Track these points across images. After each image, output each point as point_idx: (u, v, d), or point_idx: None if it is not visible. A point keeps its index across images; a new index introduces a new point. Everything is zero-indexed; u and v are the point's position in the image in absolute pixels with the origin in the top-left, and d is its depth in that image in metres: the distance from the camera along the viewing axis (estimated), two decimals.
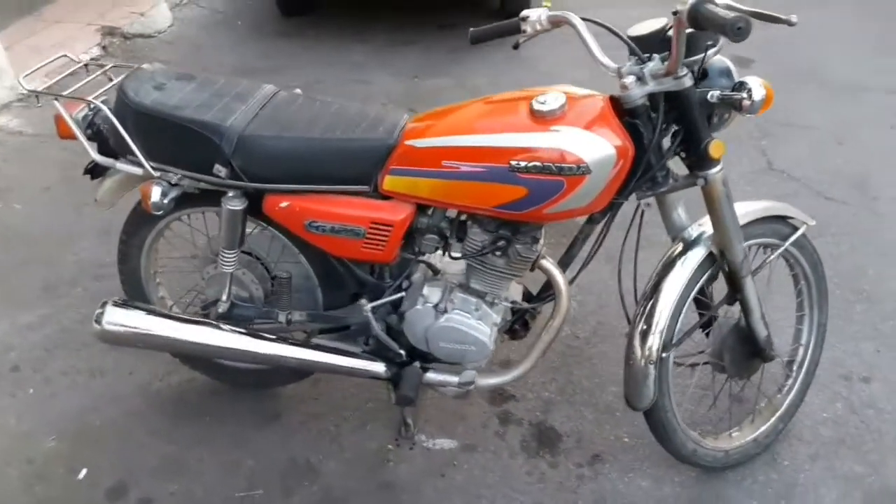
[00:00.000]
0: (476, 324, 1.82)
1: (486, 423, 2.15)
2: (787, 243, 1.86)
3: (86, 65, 1.95)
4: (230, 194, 1.79)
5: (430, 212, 1.81)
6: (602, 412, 2.18)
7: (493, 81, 4.22)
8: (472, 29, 1.82)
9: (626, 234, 1.79)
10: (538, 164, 1.59)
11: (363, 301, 1.87)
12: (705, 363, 1.95)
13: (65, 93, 1.80)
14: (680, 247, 1.80)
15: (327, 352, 1.95)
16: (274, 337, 1.95)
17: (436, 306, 1.84)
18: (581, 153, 1.58)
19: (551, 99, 1.62)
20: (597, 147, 1.59)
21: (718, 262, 1.80)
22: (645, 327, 1.77)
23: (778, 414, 2.02)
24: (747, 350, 1.91)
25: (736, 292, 1.83)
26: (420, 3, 5.18)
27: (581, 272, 1.85)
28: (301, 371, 2.15)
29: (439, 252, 1.86)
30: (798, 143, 3.53)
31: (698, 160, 1.67)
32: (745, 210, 1.83)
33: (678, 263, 1.78)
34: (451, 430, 2.13)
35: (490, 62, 4.44)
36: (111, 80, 1.90)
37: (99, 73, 1.91)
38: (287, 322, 1.95)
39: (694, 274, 1.77)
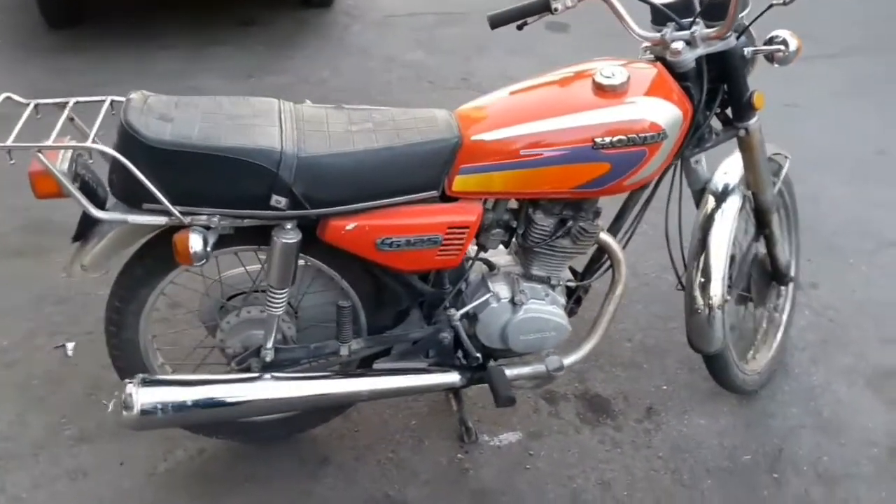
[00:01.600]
0: (552, 309, 1.81)
1: (537, 408, 2.13)
2: (782, 178, 2.08)
3: (35, 105, 1.56)
4: (287, 226, 1.57)
5: (492, 206, 1.74)
6: (630, 368, 2.27)
7: (336, 72, 4.07)
8: (490, 14, 1.78)
9: (669, 192, 1.88)
10: (623, 137, 1.61)
11: (452, 311, 1.77)
12: (739, 297, 2.11)
13: (48, 141, 1.44)
14: (712, 199, 1.93)
15: (398, 374, 1.80)
16: (338, 373, 1.77)
17: (511, 301, 1.79)
18: (659, 120, 1.63)
19: (615, 72, 1.64)
20: (670, 112, 1.65)
21: (751, 204, 1.96)
22: (703, 279, 1.88)
23: (782, 329, 2.27)
24: (767, 278, 2.12)
25: (764, 228, 2.01)
26: (202, 2, 4.80)
27: (631, 238, 1.91)
28: (343, 406, 1.96)
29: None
30: None
31: (741, 112, 1.80)
32: None
33: (718, 215, 1.90)
34: (507, 423, 2.08)
35: (323, 53, 4.28)
36: (72, 119, 1.55)
37: (66, 114, 1.54)
38: (349, 353, 1.77)
39: (735, 221, 1.91)
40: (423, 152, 1.58)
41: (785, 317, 2.29)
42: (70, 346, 2.25)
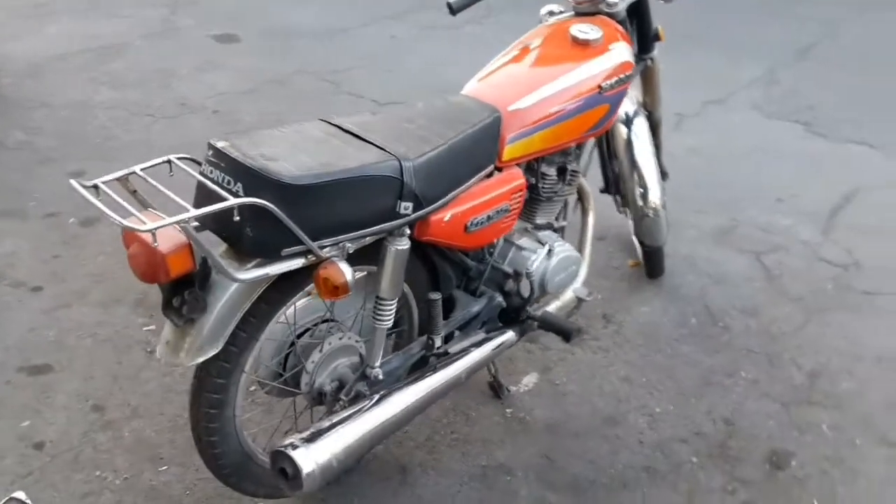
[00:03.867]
0: (568, 247, 2.02)
1: (529, 350, 2.33)
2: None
3: (96, 185, 1.32)
4: (402, 233, 1.56)
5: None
6: (620, 281, 2.64)
7: (33, 131, 3.59)
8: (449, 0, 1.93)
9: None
10: (617, 78, 1.92)
11: (504, 278, 1.88)
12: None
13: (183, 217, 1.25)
14: (622, 126, 2.31)
15: (473, 350, 1.87)
16: (434, 369, 1.78)
17: (544, 250, 1.95)
18: (630, 58, 1.99)
19: (587, 29, 1.92)
20: (630, 51, 2.01)
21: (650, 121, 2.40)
22: (642, 190, 2.29)
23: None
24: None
25: (656, 138, 2.46)
26: None
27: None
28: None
29: None
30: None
31: (648, 45, 2.20)
32: None
33: (634, 138, 2.30)
34: (516, 372, 2.25)
35: None
36: (134, 192, 1.38)
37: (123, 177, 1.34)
38: (445, 341, 1.80)
39: (650, 137, 2.33)
40: (484, 131, 1.69)
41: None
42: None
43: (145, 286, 2.36)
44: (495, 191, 1.73)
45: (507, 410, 2.12)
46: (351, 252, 1.49)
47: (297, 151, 1.43)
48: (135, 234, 1.28)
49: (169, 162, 1.41)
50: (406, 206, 1.51)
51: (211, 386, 1.49)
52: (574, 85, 1.84)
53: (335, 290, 1.41)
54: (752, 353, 2.36)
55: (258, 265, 1.38)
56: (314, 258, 1.42)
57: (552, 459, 1.97)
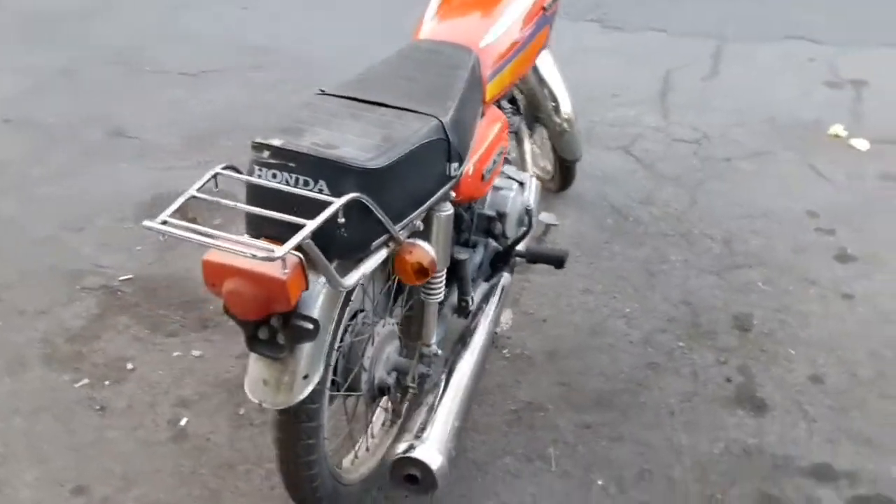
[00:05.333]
0: (528, 175, 2.01)
1: None
2: None
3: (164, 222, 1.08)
4: (447, 197, 1.45)
5: None
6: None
7: None
8: None
9: None
10: None
11: (493, 222, 1.84)
12: None
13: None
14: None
15: (490, 300, 1.83)
16: (470, 329, 1.72)
17: (519, 184, 1.93)
18: None
19: None
20: None
21: None
22: (554, 104, 2.33)
23: None
24: None
25: None
26: None
27: None
28: None
29: None
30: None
31: None
32: None
33: (538, 62, 2.32)
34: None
35: None
36: (194, 219, 1.19)
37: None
38: (474, 301, 1.77)
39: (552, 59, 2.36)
40: (473, 74, 1.59)
41: None
42: None
43: (40, 339, 2.12)
44: (492, 133, 1.66)
45: (505, 352, 2.12)
46: (420, 229, 1.38)
47: (343, 133, 1.25)
48: (234, 268, 1.07)
49: (216, 175, 1.18)
50: (454, 167, 1.41)
51: (306, 414, 1.31)
52: (527, 9, 1.81)
53: (424, 271, 1.30)
54: (668, 237, 2.57)
55: (354, 267, 1.22)
56: (394, 245, 1.29)
57: (567, 384, 2.03)
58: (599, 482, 1.77)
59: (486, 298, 1.82)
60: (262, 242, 1.07)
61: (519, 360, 2.10)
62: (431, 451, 1.35)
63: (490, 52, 1.68)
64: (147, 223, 1.06)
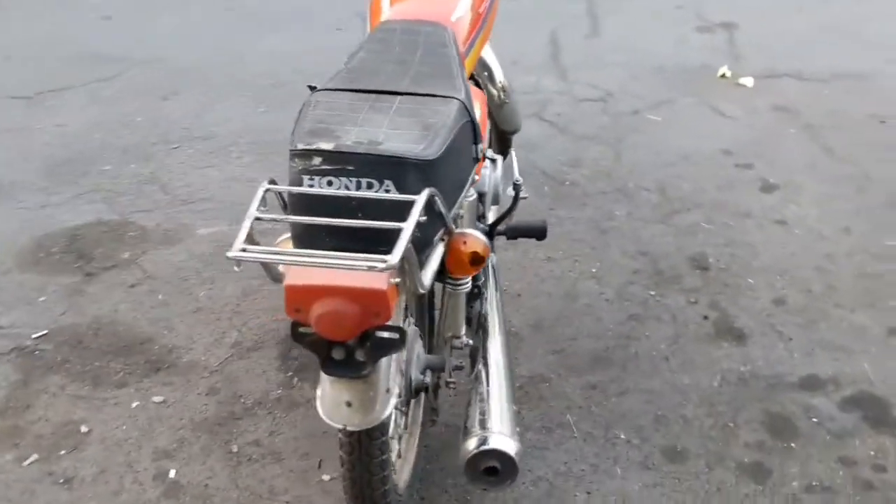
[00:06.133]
0: (490, 152, 2.02)
1: None
2: None
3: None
4: (472, 181, 1.43)
5: None
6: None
7: None
8: None
9: None
10: None
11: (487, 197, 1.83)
12: None
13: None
14: None
15: (488, 282, 1.83)
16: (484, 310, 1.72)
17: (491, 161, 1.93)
18: None
19: None
20: None
21: None
22: (487, 72, 2.31)
23: None
24: None
25: None
26: None
27: None
28: None
29: None
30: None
31: None
32: None
33: None
34: None
35: None
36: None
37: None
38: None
39: None
40: (456, 48, 1.55)
41: None
42: None
43: None
44: (479, 110, 1.66)
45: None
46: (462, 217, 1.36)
47: (376, 127, 1.20)
48: (327, 287, 1.01)
49: (266, 192, 1.11)
50: (479, 149, 1.39)
51: (380, 430, 1.27)
52: None
53: (480, 259, 1.29)
54: (607, 194, 2.67)
55: (424, 266, 1.18)
56: (448, 237, 1.27)
57: (561, 350, 2.07)
58: (622, 436, 1.82)
59: (483, 281, 1.82)
60: (352, 255, 1.01)
61: (509, 337, 2.11)
62: (504, 438, 1.34)
63: (461, 27, 1.66)
64: (231, 254, 0.98)
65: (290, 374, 2.02)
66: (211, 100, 3.30)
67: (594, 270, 2.34)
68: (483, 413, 1.41)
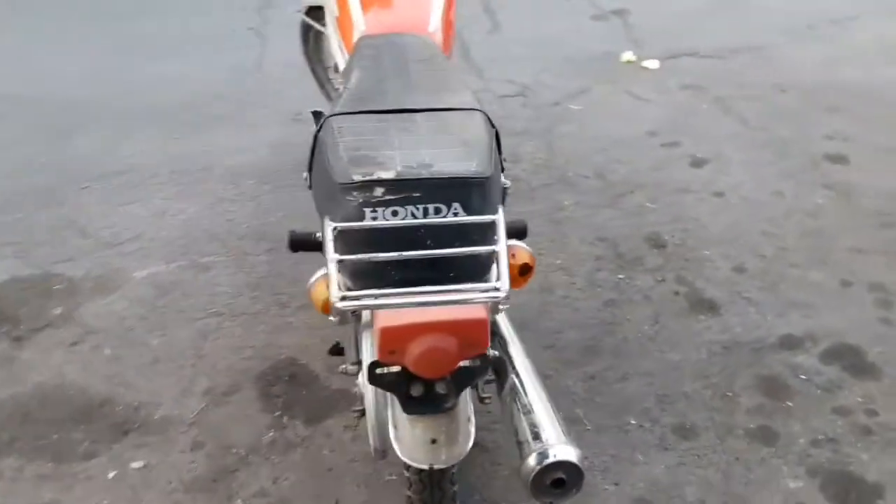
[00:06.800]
0: None
1: None
2: None
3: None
4: None
5: None
6: None
7: None
8: None
9: None
10: None
11: None
12: None
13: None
14: None
15: None
16: None
17: None
18: None
19: None
20: None
21: None
22: None
23: None
24: None
25: None
26: None
27: None
28: None
29: None
30: None
31: None
32: None
33: None
34: None
35: None
36: None
37: None
38: None
39: None
40: (444, 57, 1.54)
41: None
42: None
43: None
44: None
45: None
46: None
47: (415, 149, 1.15)
48: (426, 323, 0.95)
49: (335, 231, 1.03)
50: (503, 158, 1.37)
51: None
52: None
53: (528, 269, 1.26)
54: (551, 186, 2.70)
55: (494, 288, 1.14)
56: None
57: (551, 346, 2.06)
58: (633, 421, 1.84)
59: None
60: (456, 287, 0.95)
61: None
62: (564, 447, 1.30)
63: (438, 35, 1.63)
64: (339, 305, 0.89)
65: (277, 413, 1.90)
66: (116, 132, 3.06)
67: (559, 262, 2.35)
68: (534, 425, 1.37)
